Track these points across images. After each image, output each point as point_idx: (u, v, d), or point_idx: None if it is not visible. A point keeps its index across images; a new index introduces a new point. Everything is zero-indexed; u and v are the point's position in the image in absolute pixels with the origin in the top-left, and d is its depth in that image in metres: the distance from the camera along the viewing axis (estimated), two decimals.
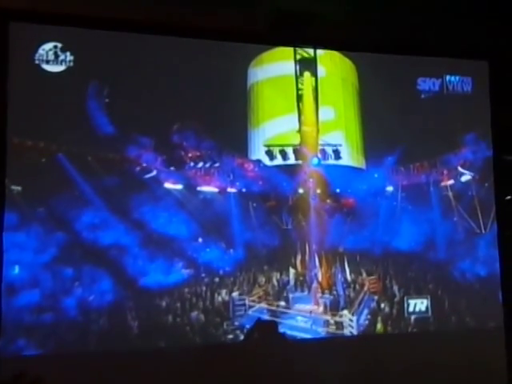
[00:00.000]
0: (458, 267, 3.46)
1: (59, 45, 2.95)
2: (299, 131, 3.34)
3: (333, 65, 3.44)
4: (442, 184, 3.52)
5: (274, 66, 3.36)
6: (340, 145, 3.38)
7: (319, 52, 3.41)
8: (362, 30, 3.19)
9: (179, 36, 3.11)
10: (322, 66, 3.40)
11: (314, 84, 3.39)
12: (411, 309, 3.35)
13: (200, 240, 3.05)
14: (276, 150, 3.28)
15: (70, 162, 2.80)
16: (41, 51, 2.92)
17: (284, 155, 3.29)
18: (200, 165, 3.12)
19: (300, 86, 3.37)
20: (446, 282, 3.42)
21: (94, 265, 2.77)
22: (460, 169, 3.56)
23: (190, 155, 3.11)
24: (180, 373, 2.68)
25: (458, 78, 3.61)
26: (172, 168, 3.05)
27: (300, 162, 3.30)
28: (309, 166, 3.33)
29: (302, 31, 3.19)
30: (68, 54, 2.95)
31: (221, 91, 3.12)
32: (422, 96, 3.56)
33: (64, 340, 2.66)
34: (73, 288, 2.71)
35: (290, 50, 3.40)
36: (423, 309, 3.37)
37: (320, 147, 3.36)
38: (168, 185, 3.07)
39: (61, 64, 2.94)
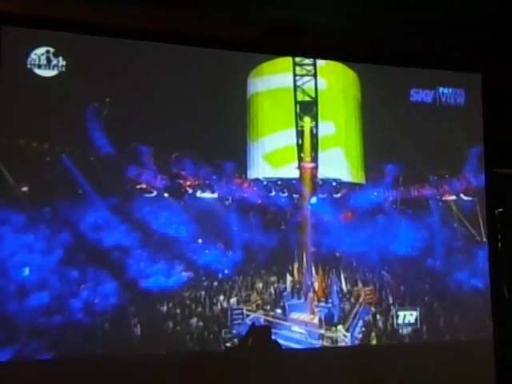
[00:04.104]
0: (455, 277, 4.00)
1: (51, 49, 3.37)
2: (298, 167, 3.87)
3: (334, 77, 3.99)
4: (443, 198, 4.13)
5: (274, 78, 3.90)
6: (339, 179, 3.92)
7: (320, 63, 3.96)
8: (357, 40, 3.69)
9: (173, 43, 3.57)
10: (323, 79, 3.95)
11: (313, 124, 3.92)
12: (400, 320, 3.88)
13: (200, 241, 3.57)
14: (274, 185, 3.80)
15: (72, 162, 3.30)
16: (33, 56, 3.34)
17: (282, 190, 3.82)
18: (198, 193, 3.64)
19: (301, 123, 3.90)
20: (442, 293, 3.96)
21: (98, 267, 3.24)
22: (462, 196, 4.14)
23: (188, 183, 3.62)
24: (171, 379, 3.07)
25: (450, 90, 4.22)
26: (171, 196, 3.55)
27: (297, 196, 3.83)
28: (307, 203, 3.86)
29: (297, 41, 3.68)
30: (60, 58, 3.38)
31: (219, 102, 3.60)
32: (420, 107, 4.10)
33: (72, 344, 3.11)
34: (79, 290, 3.18)
35: (290, 60, 3.94)
36: (412, 321, 3.90)
37: (320, 182, 3.90)
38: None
39: (53, 69, 3.36)
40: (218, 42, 3.62)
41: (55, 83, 3.34)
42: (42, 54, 3.33)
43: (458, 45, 3.77)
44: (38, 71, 3.33)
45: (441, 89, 4.20)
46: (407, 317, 3.88)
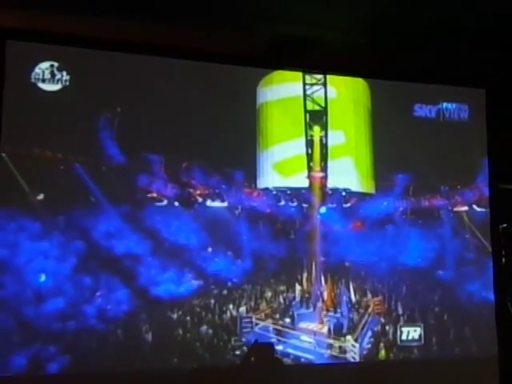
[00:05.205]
0: (466, 289, 4.15)
1: (56, 64, 3.57)
2: (308, 177, 4.06)
3: (344, 86, 4.18)
4: (455, 209, 4.30)
5: (284, 87, 4.10)
6: (349, 189, 4.11)
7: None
8: (361, 55, 3.87)
9: (177, 58, 3.76)
10: (333, 88, 4.15)
11: (323, 134, 4.11)
12: (404, 337, 4.02)
13: (209, 250, 3.77)
14: (284, 194, 4.01)
15: (85, 171, 3.53)
16: (37, 70, 3.53)
17: (291, 199, 4.02)
18: (208, 202, 3.85)
19: (310, 133, 4.09)
20: (453, 305, 4.12)
21: (110, 274, 3.46)
22: (475, 206, 4.31)
23: (198, 192, 3.83)
24: None
25: (454, 105, 4.39)
26: (182, 205, 3.77)
27: (307, 206, 4.03)
28: (316, 213, 4.05)
29: (302, 55, 3.86)
30: (64, 73, 3.58)
31: (229, 111, 3.80)
32: (425, 121, 4.29)
33: (85, 349, 3.33)
34: (92, 297, 3.39)
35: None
36: (416, 337, 4.04)
37: (329, 192, 4.09)
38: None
39: (57, 83, 3.56)
40: (224, 57, 3.82)
41: (59, 97, 3.55)
42: (46, 69, 3.53)
43: (462, 60, 3.94)
44: (42, 85, 3.53)
45: (445, 104, 4.37)
46: (411, 333, 4.03)
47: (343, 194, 4.10)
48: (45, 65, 3.53)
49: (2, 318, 3.21)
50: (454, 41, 3.68)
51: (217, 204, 3.86)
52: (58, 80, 3.54)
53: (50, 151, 3.47)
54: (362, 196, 4.15)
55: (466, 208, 4.32)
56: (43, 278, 3.29)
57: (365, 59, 3.92)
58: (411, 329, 4.04)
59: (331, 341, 3.89)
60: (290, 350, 3.78)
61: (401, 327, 4.01)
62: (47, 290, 3.32)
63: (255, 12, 3.42)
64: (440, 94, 4.36)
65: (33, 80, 3.51)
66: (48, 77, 3.52)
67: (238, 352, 3.65)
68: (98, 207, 3.53)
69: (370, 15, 3.42)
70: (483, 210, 4.32)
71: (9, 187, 3.34)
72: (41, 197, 3.41)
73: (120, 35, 3.54)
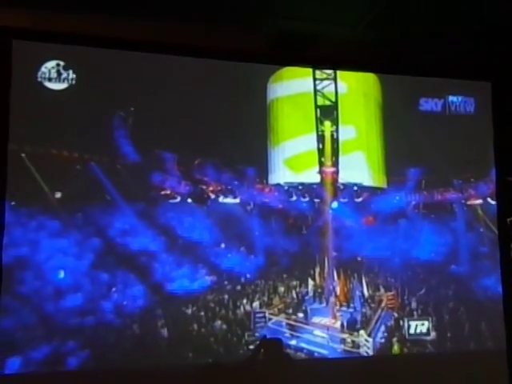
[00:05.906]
0: (481, 283, 4.24)
1: (62, 63, 3.69)
2: (319, 172, 4.16)
3: (354, 80, 4.28)
4: (469, 203, 4.40)
5: (294, 83, 4.21)
6: (361, 183, 4.21)
7: None
8: (364, 50, 3.93)
9: (184, 55, 3.87)
10: (343, 82, 4.24)
11: (334, 128, 4.21)
12: (412, 331, 4.10)
13: (222, 245, 3.90)
14: (296, 190, 4.13)
15: (100, 170, 3.68)
16: (43, 69, 3.65)
17: (303, 195, 4.14)
18: (221, 198, 3.98)
19: (321, 128, 4.20)
20: (466, 300, 4.20)
21: (126, 270, 3.61)
22: (489, 199, 4.38)
23: (211, 189, 3.97)
24: None
25: (460, 98, 4.45)
26: (195, 202, 3.90)
27: (319, 201, 4.15)
28: (328, 208, 4.16)
29: (307, 51, 3.95)
30: (70, 72, 3.69)
31: (240, 108, 3.92)
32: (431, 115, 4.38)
33: (103, 343, 3.48)
34: (109, 293, 3.55)
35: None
36: (424, 330, 4.13)
37: (341, 186, 4.19)
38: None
39: (63, 82, 3.67)
40: (232, 54, 3.94)
41: (65, 96, 3.67)
42: (52, 68, 3.65)
43: (468, 53, 4.00)
44: (48, 84, 3.66)
45: (450, 97, 4.44)
46: (419, 327, 4.12)
47: (355, 188, 4.20)
48: (51, 64, 3.66)
49: (24, 314, 3.39)
50: (459, 34, 3.73)
51: (229, 200, 4.00)
52: (64, 79, 3.66)
53: (66, 151, 3.63)
54: (373, 190, 4.25)
55: (480, 201, 4.40)
56: (62, 274, 3.47)
57: (371, 54, 4.00)
58: (419, 322, 4.14)
59: (344, 335, 4.00)
60: (303, 345, 3.91)
61: (408, 321, 4.11)
62: (66, 286, 3.49)
63: (262, 9, 3.51)
64: (446, 88, 4.44)
65: (39, 79, 3.64)
66: (54, 76, 3.64)
67: (251, 347, 3.78)
68: (114, 205, 3.68)
69: (375, 10, 3.49)
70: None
71: (28, 186, 3.51)
72: (59, 195, 3.57)
73: (128, 34, 3.66)
